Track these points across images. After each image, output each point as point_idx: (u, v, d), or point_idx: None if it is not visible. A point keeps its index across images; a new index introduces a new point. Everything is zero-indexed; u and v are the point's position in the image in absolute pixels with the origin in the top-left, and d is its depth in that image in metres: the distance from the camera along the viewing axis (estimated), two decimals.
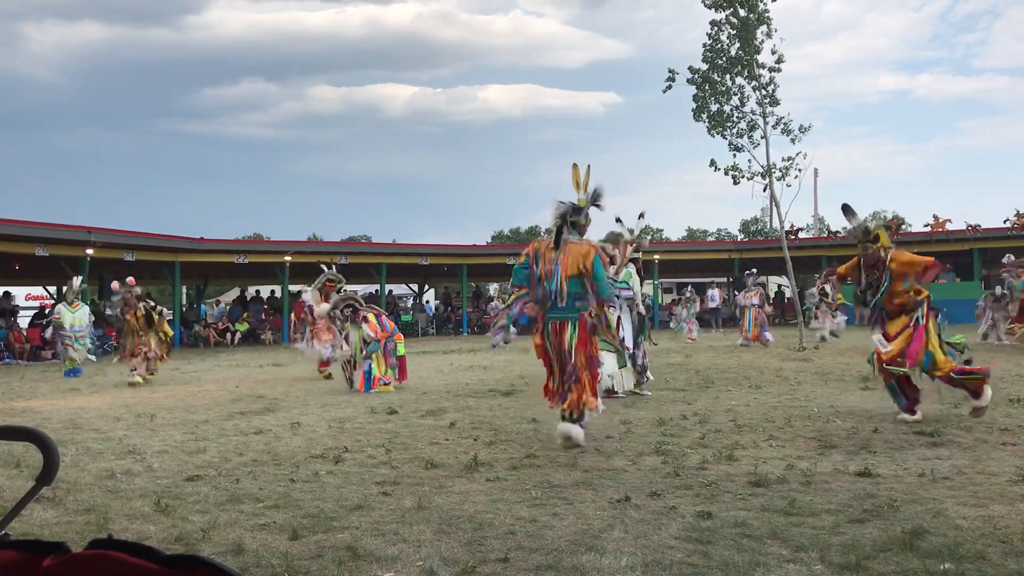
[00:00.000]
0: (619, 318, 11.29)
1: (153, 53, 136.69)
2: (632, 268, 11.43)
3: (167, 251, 27.36)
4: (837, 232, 24.24)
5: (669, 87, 23.14)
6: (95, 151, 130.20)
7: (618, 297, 10.86)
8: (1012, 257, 20.47)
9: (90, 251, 24.21)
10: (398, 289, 41.17)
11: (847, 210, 8.93)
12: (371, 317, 12.76)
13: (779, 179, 21.81)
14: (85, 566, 0.93)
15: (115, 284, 15.97)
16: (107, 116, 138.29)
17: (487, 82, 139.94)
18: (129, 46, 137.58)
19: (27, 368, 20.38)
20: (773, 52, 22.46)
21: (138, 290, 15.65)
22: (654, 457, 6.85)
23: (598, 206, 7.65)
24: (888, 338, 8.40)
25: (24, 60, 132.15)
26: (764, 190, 22.14)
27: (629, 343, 11.06)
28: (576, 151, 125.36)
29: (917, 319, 8.31)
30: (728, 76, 22.75)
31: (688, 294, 27.02)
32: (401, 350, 12.95)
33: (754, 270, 23.87)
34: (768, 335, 21.37)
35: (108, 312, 20.94)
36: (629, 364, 10.80)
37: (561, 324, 7.43)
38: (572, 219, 7.51)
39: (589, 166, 7.66)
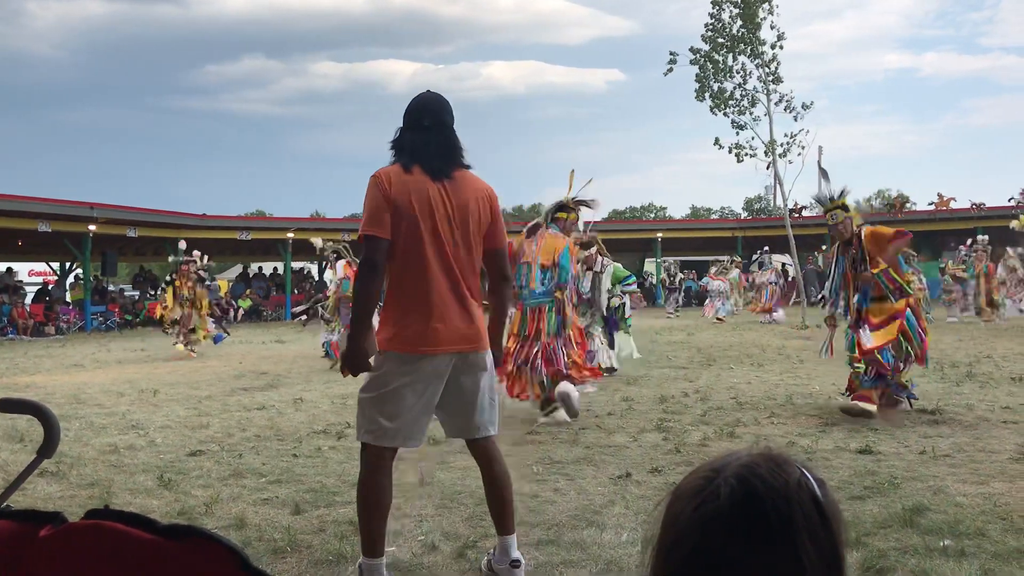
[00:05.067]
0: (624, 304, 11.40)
1: (155, 29, 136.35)
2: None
3: (170, 227, 27.32)
4: (803, 208, 23.46)
5: (670, 70, 23.05)
6: (98, 127, 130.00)
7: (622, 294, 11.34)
8: (986, 239, 20.41)
9: (93, 227, 24.20)
10: None
11: (824, 174, 8.30)
12: (340, 265, 13.31)
13: (781, 156, 21.75)
14: (82, 536, 0.93)
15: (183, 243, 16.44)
16: (109, 92, 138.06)
17: (490, 59, 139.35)
18: (131, 22, 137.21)
19: (30, 344, 20.43)
20: (773, 27, 22.37)
21: (200, 262, 15.95)
22: (655, 434, 6.87)
23: (587, 205, 7.91)
24: (872, 327, 7.30)
25: (26, 37, 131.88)
26: (767, 168, 22.09)
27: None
28: (579, 129, 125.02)
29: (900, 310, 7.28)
30: (731, 55, 22.65)
31: (727, 262, 24.94)
32: None
33: (767, 248, 23.81)
34: (779, 313, 21.37)
35: (111, 287, 20.99)
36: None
37: (539, 310, 7.42)
38: (555, 215, 7.74)
39: (572, 171, 7.94)
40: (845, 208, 7.62)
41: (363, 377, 3.62)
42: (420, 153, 3.54)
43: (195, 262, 15.89)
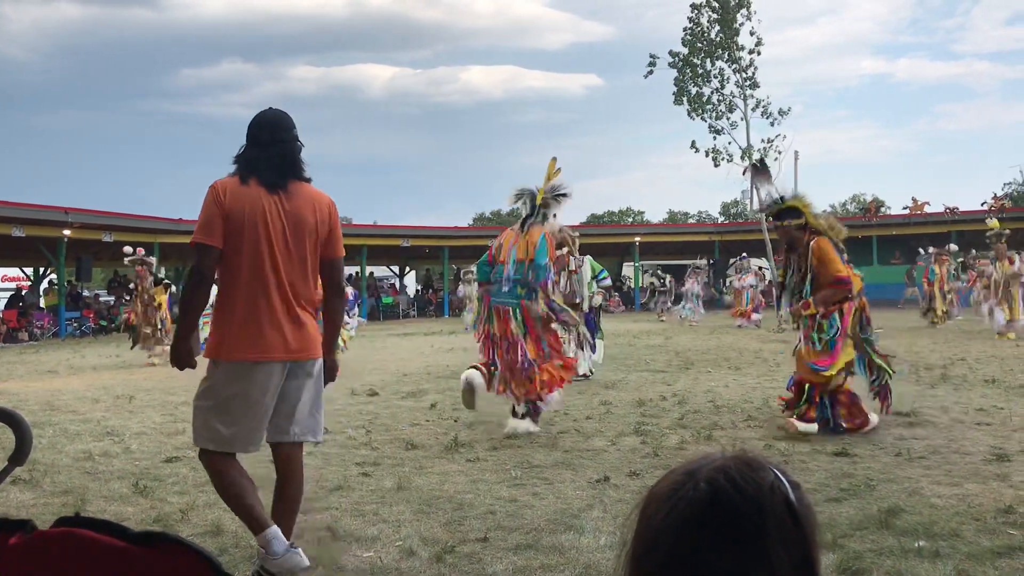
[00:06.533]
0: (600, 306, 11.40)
1: (132, 32, 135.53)
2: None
3: (146, 232, 27.11)
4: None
5: (650, 72, 23.21)
6: (73, 131, 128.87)
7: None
8: (932, 249, 20.68)
9: (68, 232, 23.98)
10: (379, 271, 41.06)
11: (757, 169, 7.60)
12: None
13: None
14: (52, 544, 0.92)
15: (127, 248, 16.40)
16: (85, 96, 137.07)
17: (468, 63, 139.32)
18: (107, 25, 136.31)
19: (3, 350, 20.20)
20: (752, 34, 22.57)
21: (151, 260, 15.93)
22: (633, 437, 6.88)
23: (558, 197, 7.57)
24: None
25: (0, 40, 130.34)
26: (744, 173, 22.26)
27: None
28: (557, 133, 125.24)
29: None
30: (708, 59, 22.82)
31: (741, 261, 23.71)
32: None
33: (744, 254, 23.94)
34: (757, 316, 21.54)
35: (85, 293, 20.71)
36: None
37: (504, 310, 7.16)
38: (540, 209, 7.43)
39: (554, 158, 7.59)
40: (786, 214, 7.10)
41: (192, 377, 3.79)
42: (255, 166, 3.66)
43: (149, 263, 15.88)
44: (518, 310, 7.13)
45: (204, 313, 4.08)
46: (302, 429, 3.78)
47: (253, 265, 3.58)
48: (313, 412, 3.81)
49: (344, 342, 14.32)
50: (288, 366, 3.65)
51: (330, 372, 3.94)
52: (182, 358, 3.72)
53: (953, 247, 20.86)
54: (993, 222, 17.14)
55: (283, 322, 3.61)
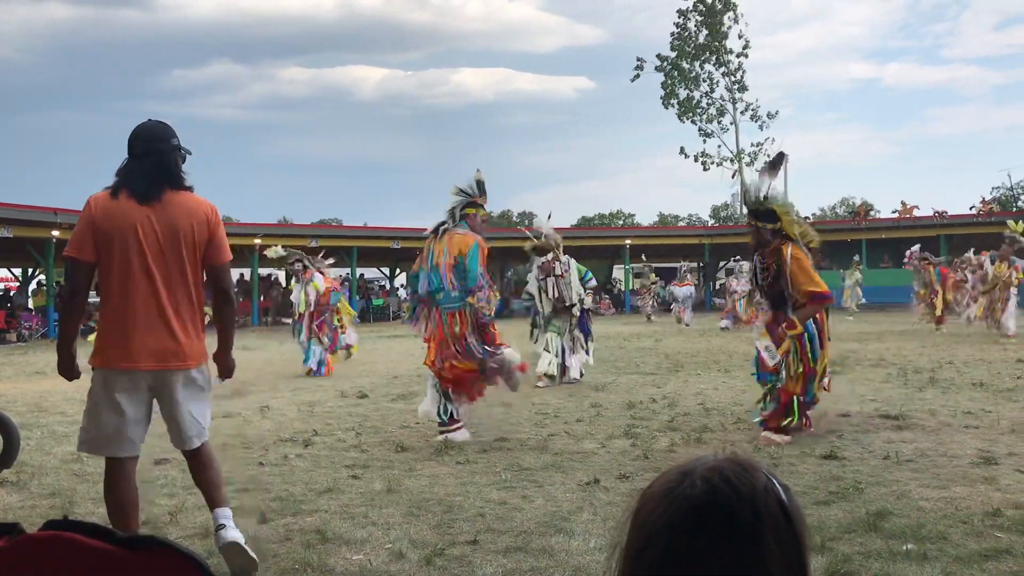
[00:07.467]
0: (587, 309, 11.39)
1: (121, 33, 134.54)
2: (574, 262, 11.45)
3: None
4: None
5: (637, 76, 23.28)
6: (62, 132, 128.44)
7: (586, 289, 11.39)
8: (916, 250, 20.65)
9: (56, 233, 23.85)
10: (369, 273, 40.99)
11: (772, 165, 7.25)
12: (319, 277, 13.02)
13: (748, 164, 22.00)
14: (40, 547, 0.92)
15: None
16: (74, 97, 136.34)
17: (459, 65, 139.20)
18: (97, 26, 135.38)
19: None
20: (740, 36, 22.67)
21: None
22: (623, 440, 6.89)
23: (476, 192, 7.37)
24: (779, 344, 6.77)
25: None
26: (733, 176, 22.34)
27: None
28: (548, 135, 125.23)
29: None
30: (697, 63, 22.90)
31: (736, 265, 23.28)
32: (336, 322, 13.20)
33: (738, 257, 23.87)
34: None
35: None
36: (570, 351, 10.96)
37: (450, 315, 6.98)
38: (463, 212, 7.23)
39: (478, 169, 7.48)
40: (764, 216, 6.88)
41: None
42: (127, 179, 3.76)
43: None
44: (468, 309, 6.98)
45: None
46: (190, 435, 3.87)
47: (123, 277, 3.68)
48: (198, 417, 3.89)
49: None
50: (159, 375, 3.74)
51: (224, 372, 4.08)
52: (67, 371, 3.86)
53: (915, 248, 20.82)
54: (1016, 225, 16.92)
55: (155, 331, 3.70)
